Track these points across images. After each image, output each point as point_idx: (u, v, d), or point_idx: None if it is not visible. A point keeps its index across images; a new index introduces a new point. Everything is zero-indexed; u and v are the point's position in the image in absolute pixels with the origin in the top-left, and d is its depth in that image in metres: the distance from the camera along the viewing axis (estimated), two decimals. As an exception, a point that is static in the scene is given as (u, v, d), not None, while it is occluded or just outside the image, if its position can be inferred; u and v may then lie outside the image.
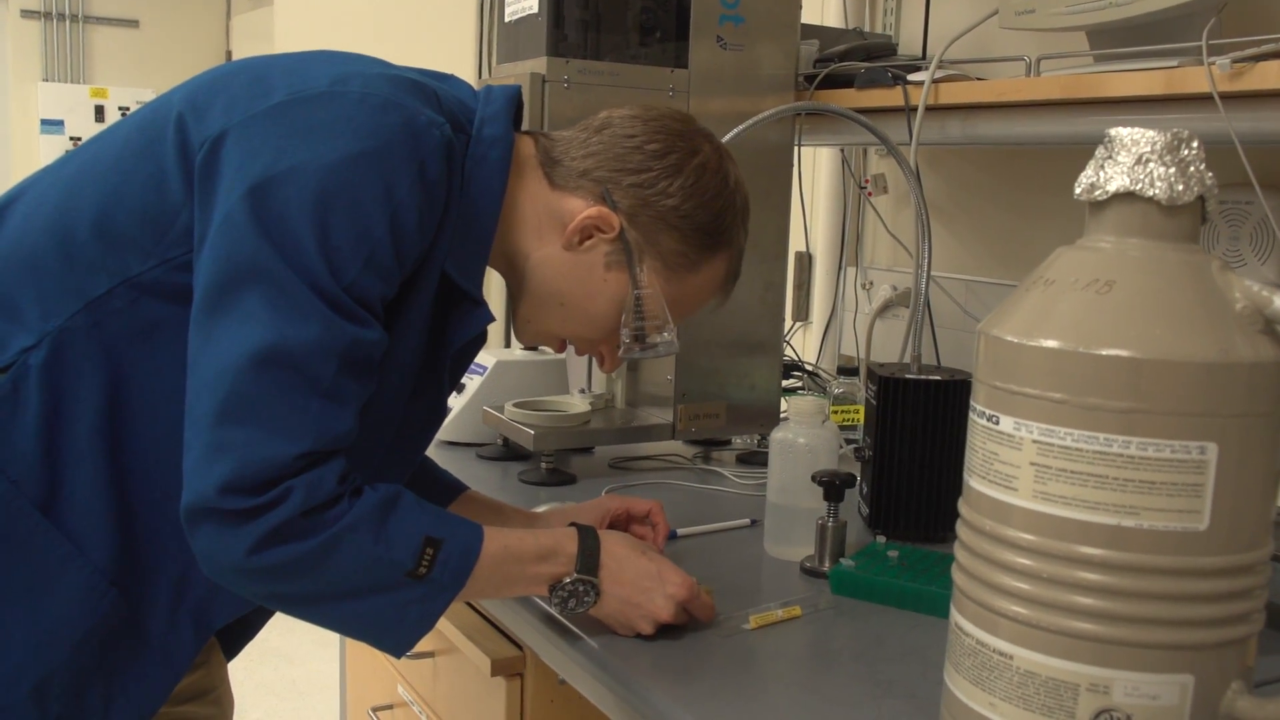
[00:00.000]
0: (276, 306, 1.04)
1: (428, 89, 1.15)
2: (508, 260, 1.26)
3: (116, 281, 1.11)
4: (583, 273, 1.23)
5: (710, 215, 1.23)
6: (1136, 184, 0.84)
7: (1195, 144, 0.85)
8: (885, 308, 2.28)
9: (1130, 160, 0.85)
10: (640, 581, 1.22)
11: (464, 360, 1.32)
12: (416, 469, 1.41)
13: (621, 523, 1.41)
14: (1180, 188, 0.84)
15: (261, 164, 1.06)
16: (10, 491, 1.10)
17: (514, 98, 1.23)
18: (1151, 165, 0.84)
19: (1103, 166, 0.87)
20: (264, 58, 1.19)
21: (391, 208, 1.07)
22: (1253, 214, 1.58)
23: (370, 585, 1.09)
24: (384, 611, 1.11)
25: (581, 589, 1.20)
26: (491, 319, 1.21)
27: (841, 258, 2.42)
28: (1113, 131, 0.87)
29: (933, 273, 2.16)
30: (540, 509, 1.48)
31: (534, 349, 2.06)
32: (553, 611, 1.24)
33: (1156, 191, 0.84)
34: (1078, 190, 0.88)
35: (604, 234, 1.21)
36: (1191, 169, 0.84)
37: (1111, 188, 0.86)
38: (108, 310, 1.11)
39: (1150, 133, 0.85)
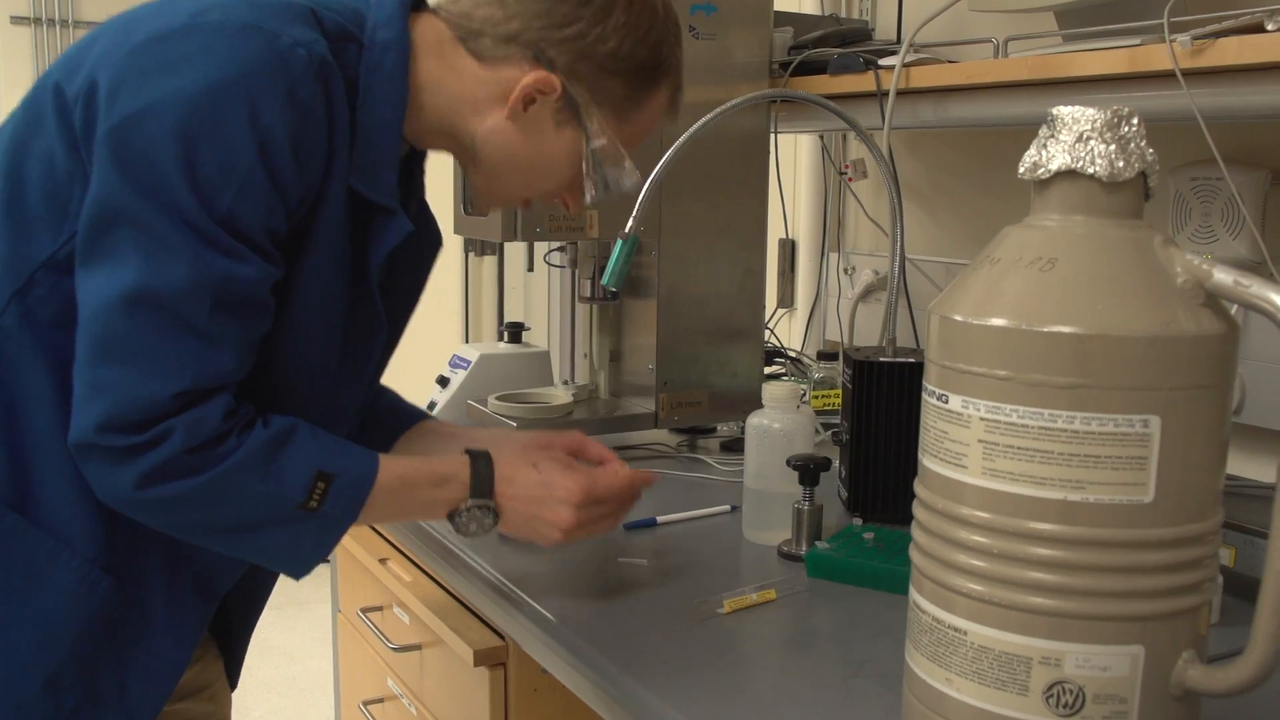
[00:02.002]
0: (143, 248, 1.04)
1: (300, 7, 1.12)
2: (454, 141, 1.24)
3: (34, 267, 1.11)
4: (534, 137, 1.21)
5: (649, 49, 1.20)
6: (1078, 162, 0.85)
7: (1135, 121, 0.86)
8: (867, 292, 2.29)
9: (1071, 138, 0.86)
10: (532, 494, 1.24)
11: (415, 274, 1.32)
12: (374, 398, 1.41)
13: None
14: (1121, 164, 0.85)
15: (122, 104, 1.04)
16: None
17: None
18: (1092, 143, 0.85)
19: (1045, 145, 0.88)
20: (135, 9, 1.17)
21: (259, 135, 1.05)
22: (1223, 190, 1.58)
23: (262, 519, 1.11)
24: (278, 543, 1.14)
25: (479, 513, 1.23)
26: (410, 227, 1.19)
27: (824, 244, 2.43)
28: (1054, 110, 0.88)
29: (912, 255, 2.17)
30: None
31: (517, 340, 2.07)
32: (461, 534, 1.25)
33: (1097, 169, 0.85)
34: (1021, 170, 0.89)
35: (546, 95, 1.19)
36: (1132, 146, 0.85)
37: (1054, 166, 0.87)
38: (34, 298, 1.11)
39: (1090, 111, 0.86)
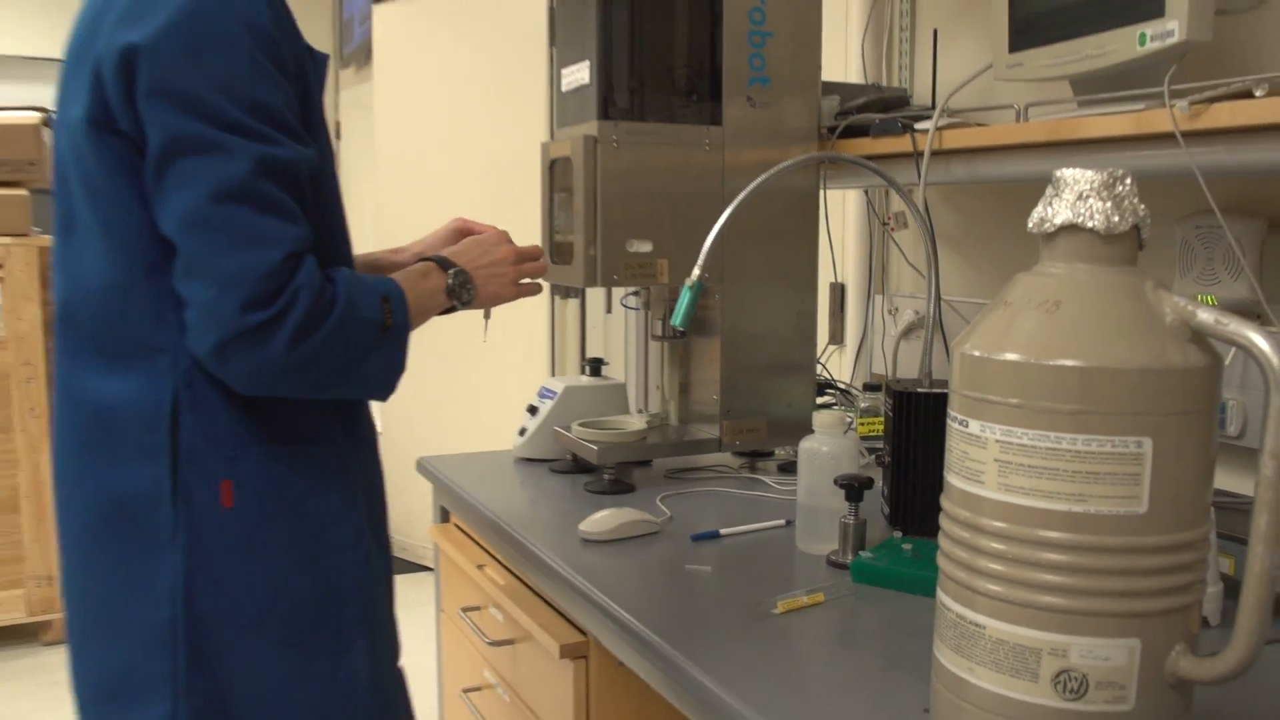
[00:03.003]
0: (204, 159, 1.15)
1: None
2: None
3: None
4: None
5: None
6: (1079, 217, 0.88)
7: (1129, 181, 0.88)
8: (909, 330, 2.31)
9: (1073, 197, 0.89)
10: (475, 251, 1.45)
11: None
12: None
13: (466, 237, 1.61)
14: (1116, 219, 0.87)
15: (144, 71, 1.14)
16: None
17: None
18: (1091, 201, 0.88)
19: (1050, 203, 0.91)
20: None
21: (245, 26, 1.16)
22: (1224, 237, 1.59)
23: (365, 347, 1.23)
24: (377, 365, 1.28)
25: (461, 279, 1.41)
26: (327, 54, 1.32)
27: (870, 287, 2.45)
28: (1058, 172, 0.91)
29: (948, 296, 2.19)
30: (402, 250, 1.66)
31: (598, 373, 2.11)
32: (459, 308, 1.44)
33: (1096, 223, 0.87)
34: (1030, 224, 0.92)
35: None
36: (1126, 203, 0.88)
37: (1058, 221, 0.89)
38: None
39: (1089, 172, 0.88)
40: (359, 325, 1.22)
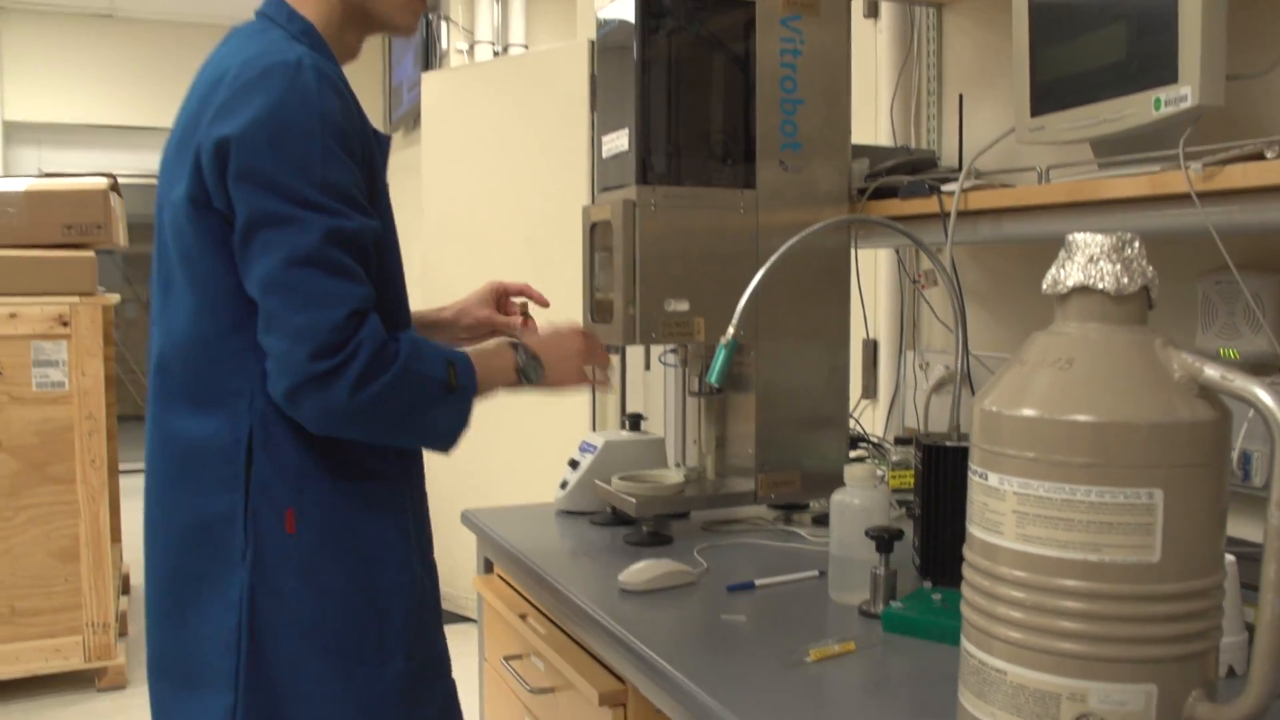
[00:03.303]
0: (282, 231, 1.29)
1: (276, 32, 1.40)
2: (365, 25, 1.51)
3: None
4: None
5: None
6: (1089, 279, 0.91)
7: (1137, 244, 0.91)
8: (940, 385, 2.33)
9: (1084, 259, 0.92)
10: (549, 339, 1.62)
11: None
12: None
13: (501, 296, 1.83)
14: (1125, 280, 0.90)
15: (235, 159, 1.29)
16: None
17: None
18: (1101, 263, 0.91)
19: (1062, 265, 0.93)
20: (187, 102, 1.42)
21: (319, 116, 1.31)
22: (1243, 292, 1.60)
23: (426, 401, 1.37)
24: (438, 419, 1.40)
25: (530, 359, 1.55)
26: (389, 135, 1.46)
27: (901, 343, 2.47)
28: (1070, 236, 0.93)
29: (976, 351, 2.20)
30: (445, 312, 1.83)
31: (637, 428, 2.14)
32: (527, 384, 1.55)
33: (1106, 285, 0.90)
34: (1044, 286, 0.95)
35: None
36: (1135, 265, 0.91)
37: (1070, 283, 0.92)
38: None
39: (1099, 236, 0.91)
40: (420, 379, 1.34)
